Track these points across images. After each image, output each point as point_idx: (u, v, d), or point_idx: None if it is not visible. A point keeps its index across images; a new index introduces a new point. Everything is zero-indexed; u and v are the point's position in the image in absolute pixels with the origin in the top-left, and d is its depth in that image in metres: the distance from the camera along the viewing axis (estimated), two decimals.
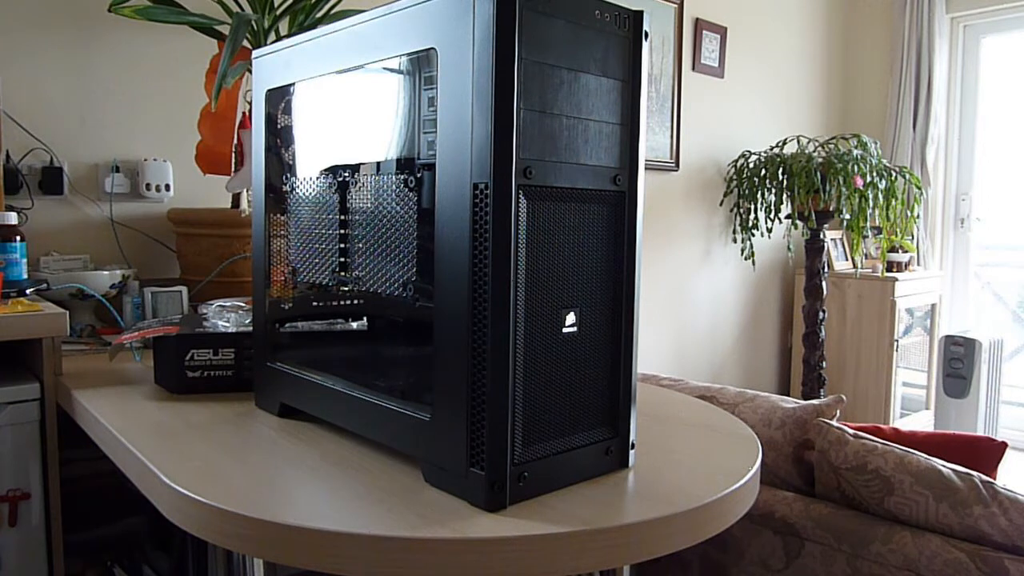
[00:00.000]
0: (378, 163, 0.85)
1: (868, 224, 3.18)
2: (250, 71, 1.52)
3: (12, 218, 1.46)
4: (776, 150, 3.38)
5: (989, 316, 3.97)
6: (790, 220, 3.28)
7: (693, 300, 3.42)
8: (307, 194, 0.97)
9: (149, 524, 1.54)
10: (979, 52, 3.89)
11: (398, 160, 0.82)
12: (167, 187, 1.86)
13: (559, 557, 0.68)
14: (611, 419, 0.83)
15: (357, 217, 0.88)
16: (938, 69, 3.77)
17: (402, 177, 0.81)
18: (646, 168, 3.12)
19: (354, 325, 0.92)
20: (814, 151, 3.27)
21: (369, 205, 0.86)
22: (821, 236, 3.35)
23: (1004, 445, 1.36)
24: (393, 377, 0.85)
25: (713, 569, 1.39)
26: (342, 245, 0.91)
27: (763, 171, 3.28)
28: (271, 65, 1.02)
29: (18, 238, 1.45)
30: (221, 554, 1.18)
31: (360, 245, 0.88)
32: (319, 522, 0.68)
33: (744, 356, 3.70)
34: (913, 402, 3.79)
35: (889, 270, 3.59)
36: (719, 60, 3.40)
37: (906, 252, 3.65)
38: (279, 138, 1.02)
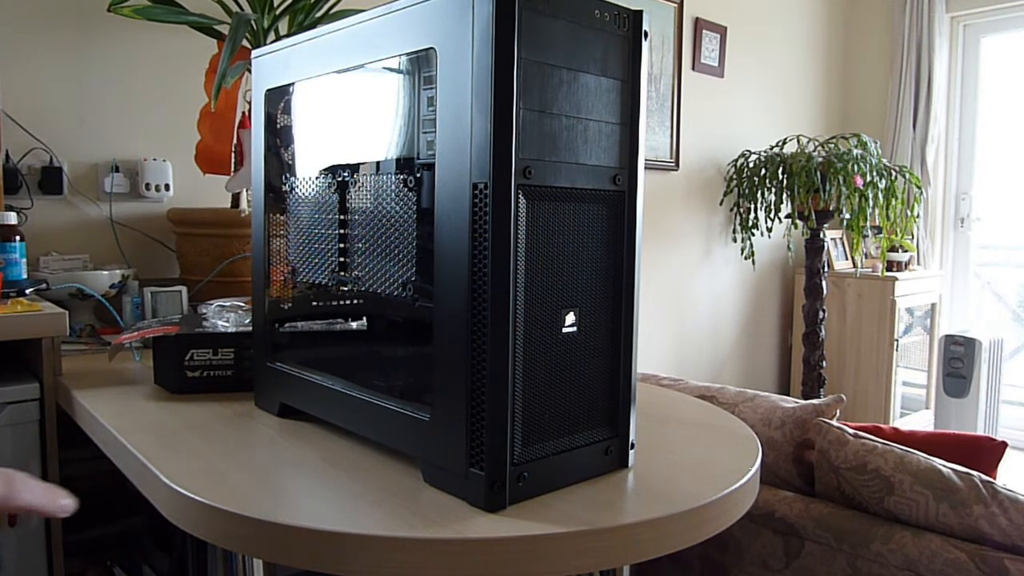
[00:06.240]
0: (378, 163, 0.85)
1: (868, 223, 3.18)
2: (250, 71, 1.52)
3: (12, 218, 1.46)
4: (776, 150, 3.38)
5: (989, 316, 3.97)
6: (790, 220, 3.28)
7: (693, 300, 3.42)
8: (307, 194, 0.97)
9: (149, 524, 1.54)
10: (979, 52, 3.89)
11: (398, 160, 0.82)
12: (167, 187, 1.86)
13: (559, 557, 0.67)
14: (611, 419, 0.83)
15: (357, 217, 0.88)
16: (938, 69, 3.76)
17: (401, 177, 0.81)
18: (646, 168, 3.12)
19: (354, 325, 0.92)
20: (814, 151, 3.27)
21: (369, 205, 0.86)
22: (821, 236, 3.35)
23: (1004, 445, 1.36)
24: (393, 377, 0.85)
25: (713, 569, 1.39)
26: (342, 245, 0.91)
27: (763, 171, 3.28)
28: (270, 65, 1.02)
29: (18, 238, 1.45)
30: (221, 554, 1.17)
31: (360, 245, 0.88)
32: (319, 522, 0.68)
33: (744, 356, 3.70)
34: (913, 402, 3.79)
35: (889, 270, 3.59)
36: (719, 60, 3.40)
37: (906, 252, 3.65)
38: (279, 138, 1.02)
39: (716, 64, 3.39)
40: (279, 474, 0.81)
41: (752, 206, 3.37)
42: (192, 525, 0.74)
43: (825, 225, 3.33)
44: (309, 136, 0.96)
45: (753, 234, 3.46)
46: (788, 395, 3.41)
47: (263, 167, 1.05)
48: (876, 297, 3.54)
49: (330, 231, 0.93)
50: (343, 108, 0.90)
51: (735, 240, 3.59)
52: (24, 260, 1.46)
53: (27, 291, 1.41)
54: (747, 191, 3.35)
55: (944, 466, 1.20)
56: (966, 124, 3.94)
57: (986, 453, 1.34)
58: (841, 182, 3.08)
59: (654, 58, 3.10)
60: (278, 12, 1.71)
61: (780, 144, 3.43)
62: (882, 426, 1.39)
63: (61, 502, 0.62)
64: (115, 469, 1.34)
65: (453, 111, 0.72)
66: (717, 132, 3.47)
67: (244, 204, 1.78)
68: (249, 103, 1.68)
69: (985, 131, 3.90)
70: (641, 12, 0.80)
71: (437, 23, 0.73)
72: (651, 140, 3.14)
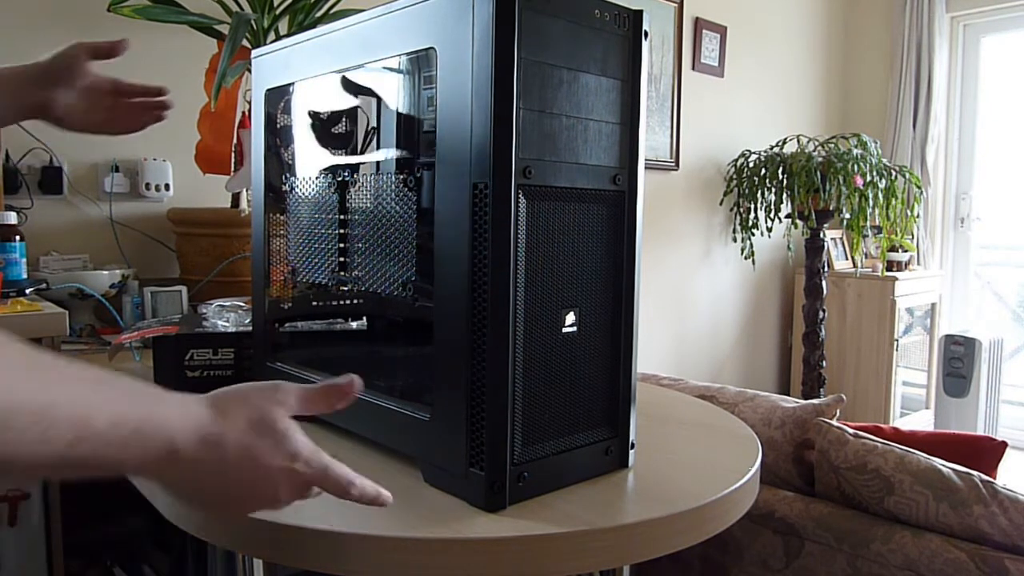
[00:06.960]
0: (377, 163, 0.85)
1: (868, 223, 3.18)
2: (249, 70, 1.52)
3: (12, 218, 1.46)
4: (776, 149, 3.38)
5: (989, 316, 3.97)
6: (790, 219, 3.28)
7: (693, 300, 3.42)
8: (306, 194, 0.97)
9: (149, 524, 1.54)
10: (979, 52, 3.89)
11: (397, 160, 0.82)
12: (167, 187, 1.86)
13: (559, 557, 0.67)
14: (611, 419, 0.83)
15: (356, 217, 0.88)
16: (938, 69, 3.76)
17: (401, 177, 0.81)
18: (646, 168, 3.11)
19: (354, 325, 0.92)
20: (814, 150, 3.27)
21: (368, 205, 0.86)
22: (821, 235, 3.34)
23: (1004, 444, 1.36)
24: (393, 377, 0.85)
25: (713, 569, 1.39)
26: (341, 245, 0.91)
27: (763, 170, 3.28)
28: (270, 65, 1.02)
29: (18, 238, 1.45)
30: (221, 554, 1.17)
31: (360, 245, 0.88)
32: (319, 522, 0.68)
33: (744, 356, 3.70)
34: (913, 401, 3.79)
35: (889, 269, 3.59)
36: (719, 59, 3.40)
37: (906, 251, 3.64)
38: (279, 138, 1.02)
39: (716, 64, 3.39)
40: None
41: (752, 206, 3.37)
42: (192, 525, 0.74)
43: (825, 225, 3.33)
44: (309, 136, 0.96)
45: (753, 234, 3.46)
46: (788, 395, 3.41)
47: (263, 167, 1.05)
48: (876, 297, 3.54)
49: (330, 231, 0.93)
50: (343, 108, 0.90)
51: (735, 240, 3.59)
52: (24, 260, 1.46)
53: (27, 291, 1.41)
54: (747, 191, 3.35)
55: (944, 466, 1.20)
56: (966, 124, 3.94)
57: (986, 453, 1.34)
58: (841, 182, 3.08)
59: (654, 58, 3.10)
60: (278, 12, 1.71)
61: (780, 144, 3.43)
62: (882, 426, 1.39)
63: (385, 497, 0.60)
64: None
65: (453, 111, 0.72)
66: (717, 132, 3.47)
67: (244, 204, 1.78)
68: (249, 103, 1.68)
69: (985, 131, 3.90)
70: (641, 12, 0.80)
71: (437, 23, 0.73)
72: (651, 140, 3.14)
